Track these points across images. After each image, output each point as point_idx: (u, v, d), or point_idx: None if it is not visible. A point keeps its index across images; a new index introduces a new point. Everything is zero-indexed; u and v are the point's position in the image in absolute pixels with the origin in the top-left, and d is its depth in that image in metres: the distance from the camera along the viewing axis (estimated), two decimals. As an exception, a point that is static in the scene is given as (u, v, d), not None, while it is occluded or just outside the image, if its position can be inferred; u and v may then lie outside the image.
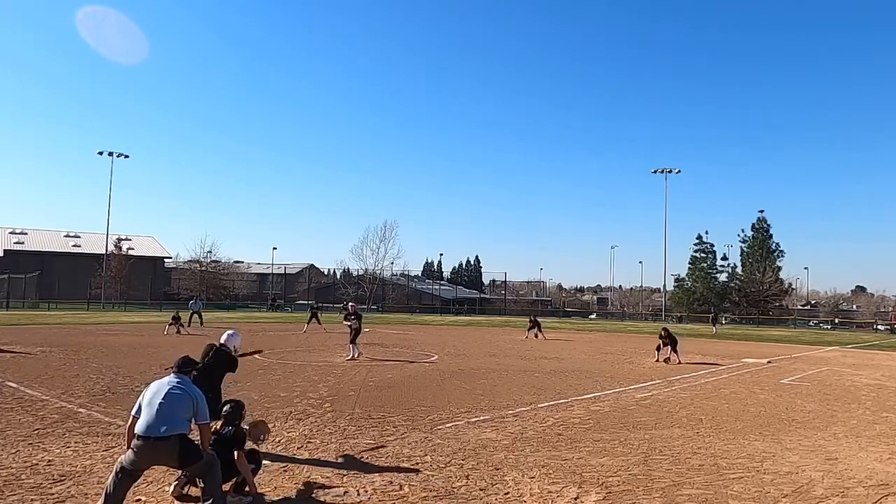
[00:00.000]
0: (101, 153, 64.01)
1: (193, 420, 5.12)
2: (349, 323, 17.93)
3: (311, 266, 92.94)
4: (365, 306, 67.07)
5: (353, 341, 17.57)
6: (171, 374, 5.28)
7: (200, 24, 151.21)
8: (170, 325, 26.16)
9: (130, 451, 4.90)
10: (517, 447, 7.67)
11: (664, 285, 72.78)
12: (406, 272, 79.22)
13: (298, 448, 7.35)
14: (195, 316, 31.60)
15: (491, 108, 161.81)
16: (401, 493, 5.79)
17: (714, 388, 13.82)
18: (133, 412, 5.11)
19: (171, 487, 5.58)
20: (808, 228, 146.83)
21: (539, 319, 32.46)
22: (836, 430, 9.34)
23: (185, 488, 5.53)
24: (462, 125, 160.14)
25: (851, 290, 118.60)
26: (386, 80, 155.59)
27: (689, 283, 72.32)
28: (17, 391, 10.90)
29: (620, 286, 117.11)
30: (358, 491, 5.80)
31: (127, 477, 4.86)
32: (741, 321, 61.63)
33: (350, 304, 21.20)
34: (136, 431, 4.92)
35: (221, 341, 7.31)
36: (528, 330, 30.63)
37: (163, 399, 4.99)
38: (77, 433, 7.82)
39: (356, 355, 17.39)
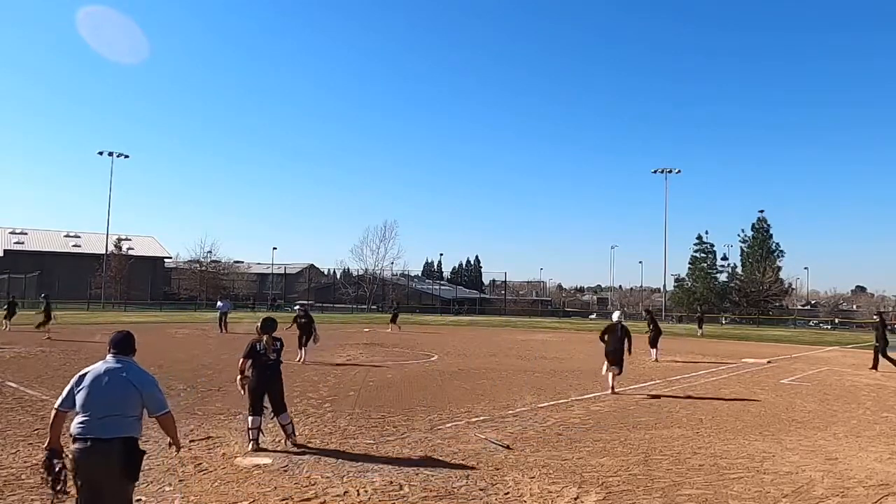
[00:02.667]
0: (101, 153, 63.91)
1: (147, 414, 4.02)
2: (298, 324, 16.77)
3: (311, 266, 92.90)
4: (365, 306, 67.12)
5: (302, 345, 16.41)
6: (109, 356, 4.08)
7: (200, 24, 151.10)
8: (4, 318, 24.45)
9: (70, 461, 3.85)
10: (517, 447, 7.67)
11: (664, 285, 72.86)
12: (406, 272, 79.25)
13: (298, 448, 7.35)
14: (223, 318, 26.75)
15: (491, 108, 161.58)
16: (401, 493, 5.79)
17: (714, 388, 13.82)
18: (57, 405, 3.96)
19: (249, 446, 7.10)
20: (808, 228, 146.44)
21: (399, 312, 32.57)
22: (836, 430, 9.34)
23: (258, 444, 7.08)
24: (462, 125, 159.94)
25: (851, 290, 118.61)
26: (386, 80, 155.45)
27: (689, 284, 72.26)
28: (17, 391, 10.90)
29: (620, 286, 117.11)
30: (358, 491, 5.80)
31: None
32: (741, 321, 61.61)
33: (299, 304, 21.78)
34: (72, 432, 3.87)
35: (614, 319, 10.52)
36: (391, 322, 30.97)
37: (102, 390, 3.90)
38: (77, 433, 7.81)
39: (304, 358, 16.16)
